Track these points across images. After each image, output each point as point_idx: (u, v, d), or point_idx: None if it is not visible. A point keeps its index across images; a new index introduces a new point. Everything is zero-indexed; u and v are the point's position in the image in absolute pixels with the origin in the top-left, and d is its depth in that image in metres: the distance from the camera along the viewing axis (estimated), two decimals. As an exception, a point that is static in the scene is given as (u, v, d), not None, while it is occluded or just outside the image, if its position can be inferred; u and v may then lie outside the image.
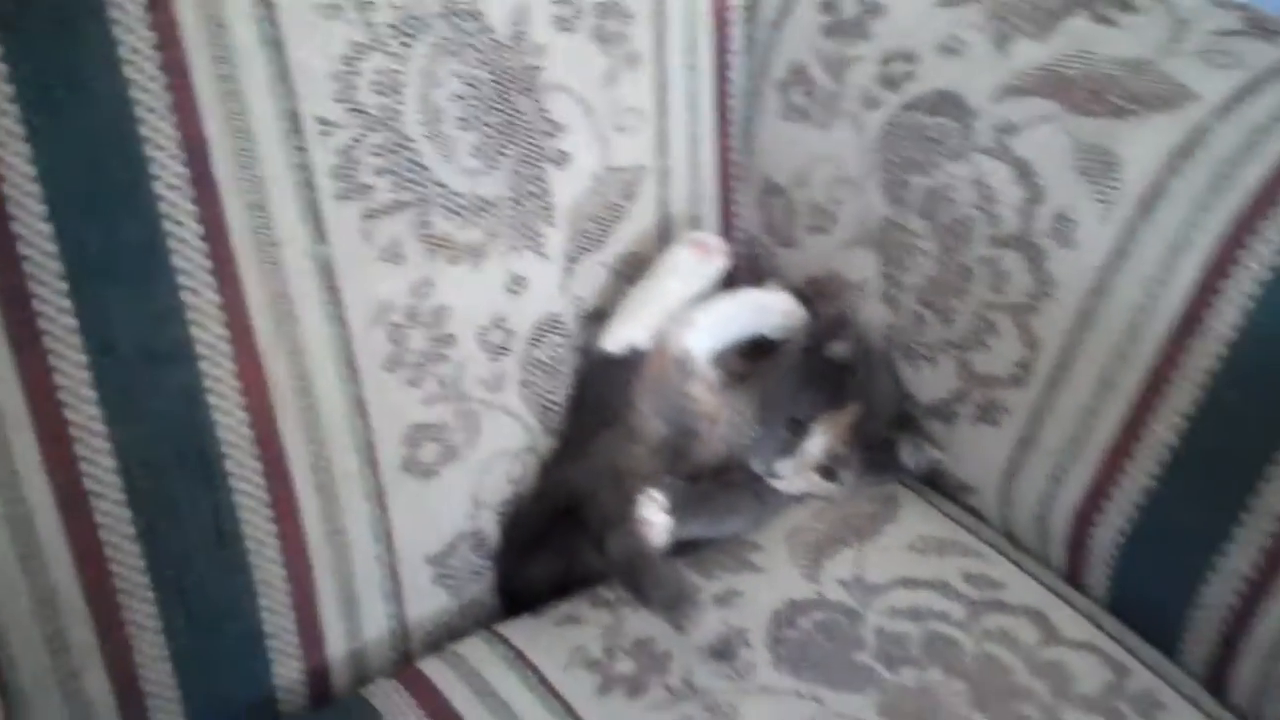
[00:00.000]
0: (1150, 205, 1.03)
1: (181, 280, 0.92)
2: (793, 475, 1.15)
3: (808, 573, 1.10)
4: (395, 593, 1.10)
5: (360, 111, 0.98)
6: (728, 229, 1.31)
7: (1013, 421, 1.13)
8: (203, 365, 0.94)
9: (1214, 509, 1.00)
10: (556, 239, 1.14)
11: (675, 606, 1.01)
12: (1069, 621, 1.06)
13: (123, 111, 0.88)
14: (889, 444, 1.17)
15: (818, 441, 1.15)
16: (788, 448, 1.15)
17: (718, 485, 1.16)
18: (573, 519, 1.12)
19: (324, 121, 0.96)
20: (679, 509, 1.08)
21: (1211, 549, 1.00)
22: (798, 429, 1.15)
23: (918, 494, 1.21)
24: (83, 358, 0.89)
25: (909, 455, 1.17)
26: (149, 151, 0.89)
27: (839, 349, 1.16)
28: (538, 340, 1.14)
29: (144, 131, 0.89)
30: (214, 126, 0.91)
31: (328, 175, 0.97)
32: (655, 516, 1.06)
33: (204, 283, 0.93)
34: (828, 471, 1.16)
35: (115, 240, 0.89)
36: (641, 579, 1.01)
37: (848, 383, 1.15)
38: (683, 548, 1.12)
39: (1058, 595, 1.09)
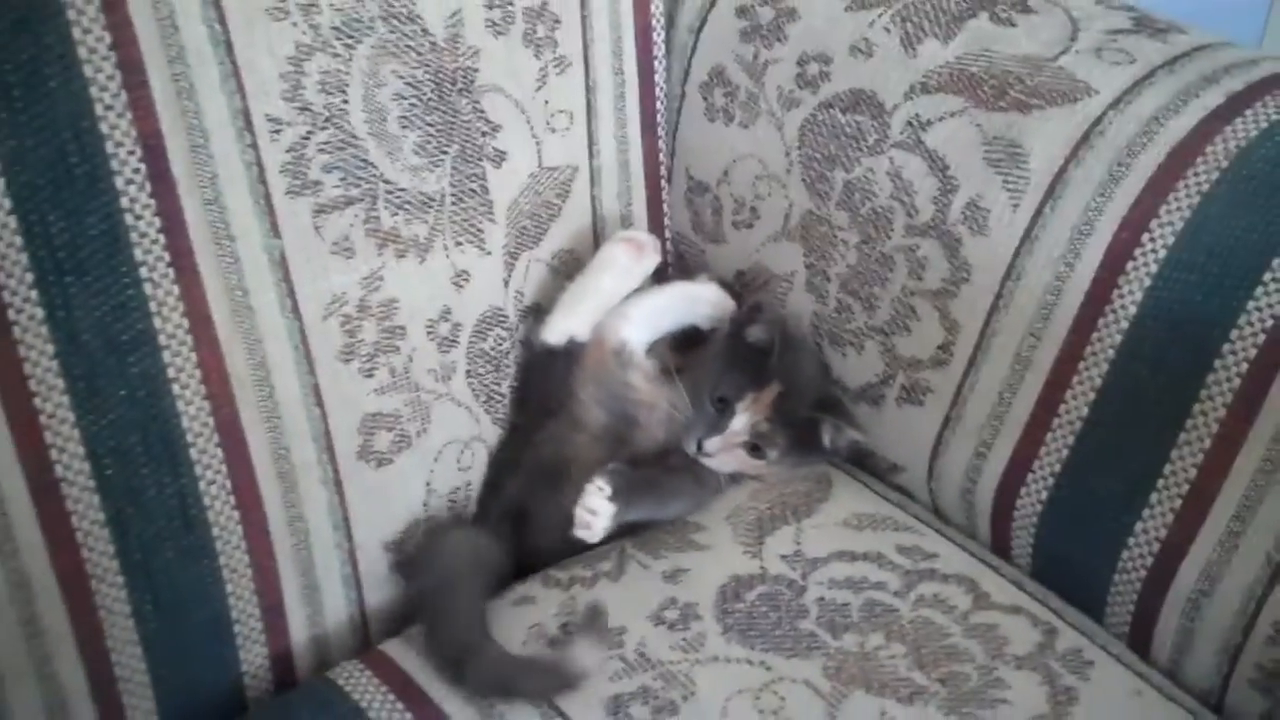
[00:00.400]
0: (1055, 193, 1.10)
1: (143, 272, 0.95)
2: (721, 453, 1.21)
3: (750, 550, 1.15)
4: (354, 579, 1.13)
5: (308, 110, 1.01)
6: (658, 227, 1.37)
7: (937, 401, 1.19)
8: (165, 355, 0.97)
9: (1129, 477, 1.07)
10: (497, 235, 1.18)
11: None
12: (998, 587, 1.12)
13: (82, 109, 0.91)
14: (812, 424, 1.22)
15: (741, 419, 1.20)
16: (715, 426, 1.20)
17: (660, 470, 1.21)
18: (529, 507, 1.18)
19: (274, 120, 1.00)
20: (623, 494, 1.13)
21: (1128, 514, 1.07)
22: (723, 408, 1.21)
23: (850, 475, 1.27)
24: (50, 347, 0.92)
25: (829, 436, 1.23)
26: (108, 148, 0.92)
27: (755, 333, 1.22)
28: (483, 333, 1.18)
29: (103, 128, 0.92)
30: (169, 124, 0.94)
31: (279, 172, 1.01)
32: (600, 505, 1.11)
33: (164, 275, 0.96)
34: (754, 448, 1.21)
35: (78, 233, 0.92)
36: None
37: (767, 363, 1.21)
38: (629, 529, 1.17)
39: (986, 564, 1.15)
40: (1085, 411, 1.09)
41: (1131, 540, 1.07)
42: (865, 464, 1.29)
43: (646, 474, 1.20)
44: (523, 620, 1.09)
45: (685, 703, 1.00)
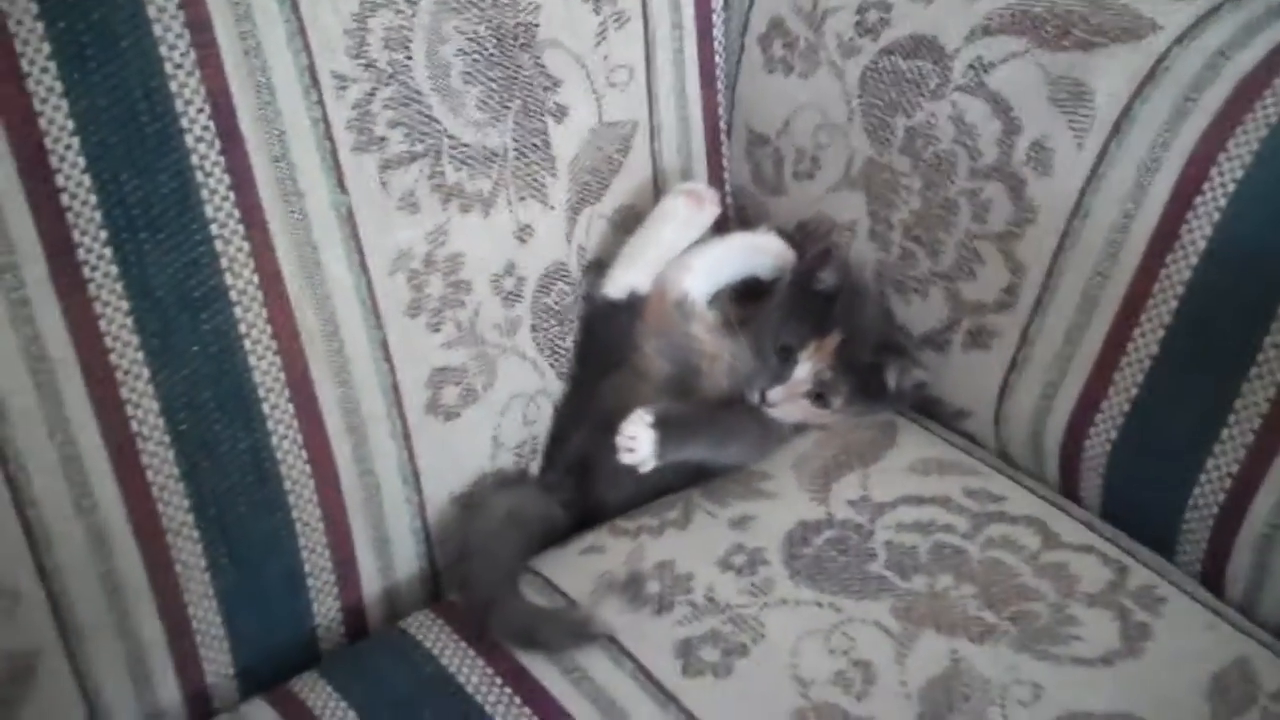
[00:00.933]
0: (1121, 130, 1.09)
1: (214, 229, 0.96)
2: (785, 402, 1.21)
3: (816, 496, 1.15)
4: (424, 531, 1.14)
5: (372, 66, 1.02)
6: (718, 180, 1.37)
7: (1003, 345, 1.18)
8: (236, 310, 0.98)
9: (1199, 413, 1.06)
10: (559, 190, 1.18)
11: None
12: (1068, 528, 1.12)
13: (152, 67, 0.92)
14: (876, 369, 1.21)
15: (805, 367, 1.20)
16: (778, 375, 1.21)
17: (721, 410, 1.22)
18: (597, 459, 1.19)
19: (339, 76, 1.01)
20: (668, 425, 1.14)
21: (1199, 452, 1.06)
22: (787, 356, 1.21)
23: (915, 422, 1.27)
24: (125, 304, 0.94)
25: (894, 377, 1.22)
26: (178, 106, 0.93)
27: (825, 278, 1.22)
28: (546, 287, 1.19)
29: (173, 86, 0.93)
30: (237, 82, 0.95)
31: (345, 128, 1.02)
32: (640, 431, 1.13)
33: (234, 231, 0.97)
34: (818, 397, 1.21)
35: (150, 191, 0.93)
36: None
37: (831, 311, 1.21)
38: (695, 476, 1.18)
39: (1055, 505, 1.15)
40: (1154, 349, 1.08)
41: (1203, 477, 1.06)
42: (931, 411, 1.29)
43: (700, 412, 1.21)
44: (591, 568, 1.10)
45: (755, 645, 1.01)
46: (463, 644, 1.04)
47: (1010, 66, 1.16)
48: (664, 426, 1.14)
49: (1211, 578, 1.08)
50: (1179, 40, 1.09)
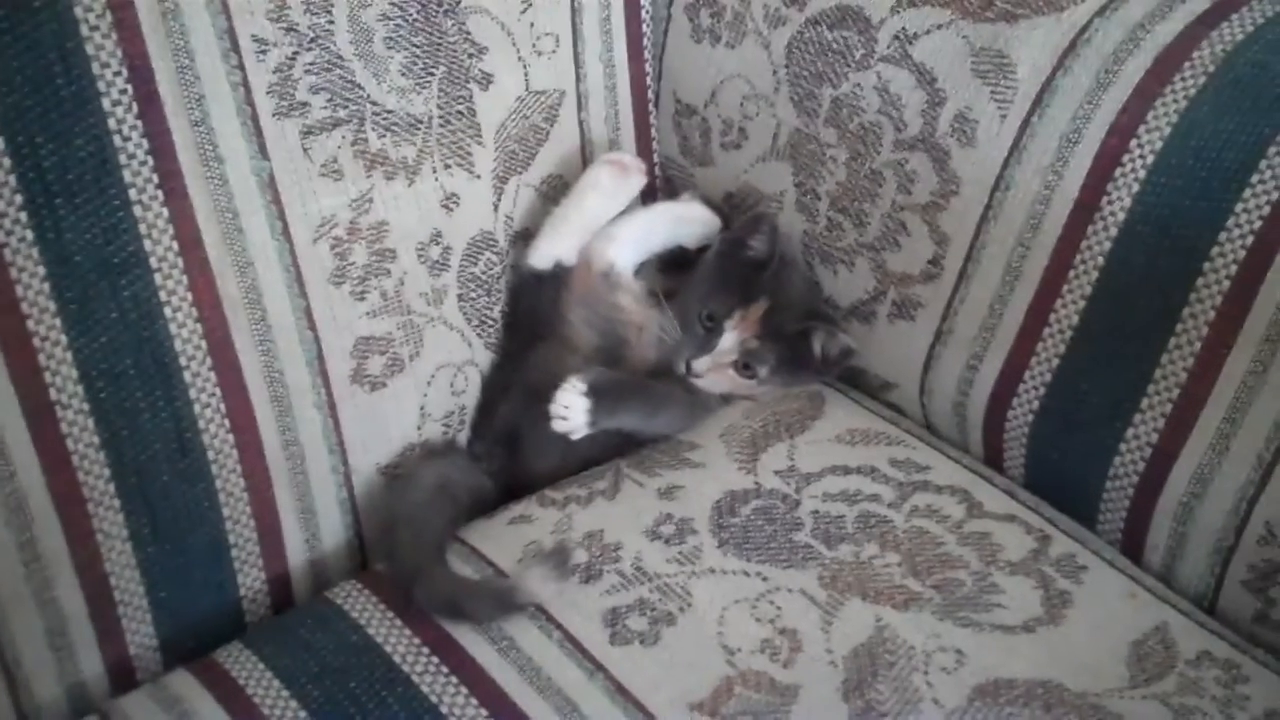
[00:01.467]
0: (1044, 102, 1.10)
1: (132, 194, 0.95)
2: (711, 373, 1.21)
3: (744, 466, 1.15)
4: (350, 503, 1.13)
5: (293, 30, 1.01)
6: (646, 151, 1.36)
7: (928, 316, 1.19)
8: (156, 277, 0.97)
9: (1119, 384, 1.08)
10: (486, 158, 1.18)
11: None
12: (991, 497, 1.13)
13: (67, 29, 0.91)
14: (802, 337, 1.22)
15: (730, 338, 1.21)
16: (704, 345, 1.21)
17: (651, 379, 1.22)
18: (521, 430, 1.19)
19: (260, 40, 1.00)
20: (602, 392, 1.14)
21: (1119, 421, 1.08)
22: (712, 328, 1.21)
23: (842, 393, 1.28)
24: (41, 269, 0.92)
25: (820, 344, 1.22)
26: (95, 69, 0.92)
27: (757, 245, 1.22)
28: (473, 256, 1.18)
29: (89, 49, 0.92)
30: (155, 44, 0.94)
31: (266, 93, 1.01)
32: (573, 400, 1.13)
33: (153, 196, 0.96)
34: (744, 367, 1.22)
35: (67, 155, 0.92)
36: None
37: (758, 279, 1.21)
38: (623, 446, 1.18)
39: (979, 475, 1.16)
40: (1075, 320, 1.09)
41: (1123, 447, 1.08)
42: (858, 382, 1.29)
43: (632, 381, 1.21)
44: (520, 538, 1.09)
45: (682, 614, 1.01)
46: (389, 613, 1.03)
47: (935, 38, 1.16)
48: (597, 394, 1.14)
49: (1131, 547, 1.10)
50: (1100, 12, 1.10)
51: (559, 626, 1.00)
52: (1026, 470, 1.16)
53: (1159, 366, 1.05)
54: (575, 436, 1.14)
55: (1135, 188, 1.05)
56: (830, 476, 1.14)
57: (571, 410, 1.13)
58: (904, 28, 1.18)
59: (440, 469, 1.17)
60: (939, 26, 1.16)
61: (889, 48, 1.18)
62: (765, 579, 1.04)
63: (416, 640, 1.00)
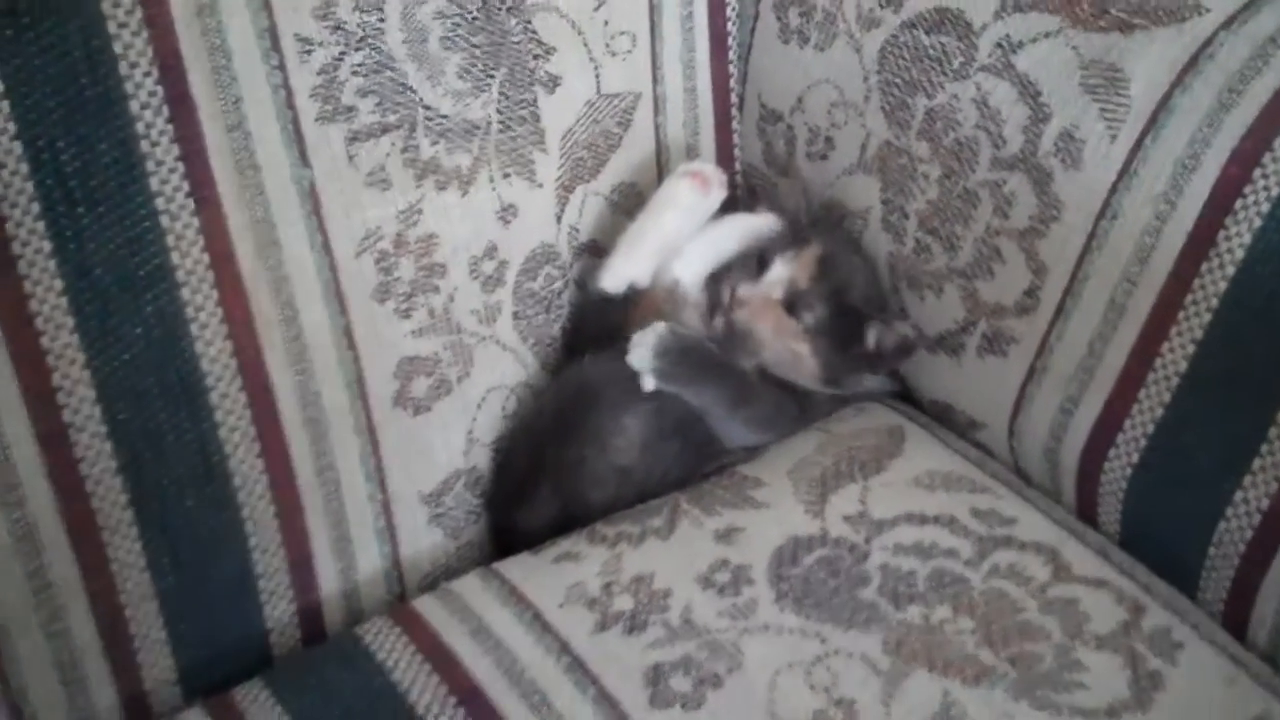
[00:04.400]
0: (1158, 122, 1.00)
1: (159, 203, 0.89)
2: (757, 309, 1.14)
3: (811, 508, 1.07)
4: (389, 532, 1.08)
5: (341, 29, 0.95)
6: (727, 158, 1.29)
7: (1021, 352, 1.10)
8: (183, 292, 0.92)
9: (1229, 440, 0.97)
10: (549, 166, 1.11)
11: None
12: (1081, 557, 1.03)
13: (93, 25, 0.86)
14: (857, 320, 1.15)
15: (780, 269, 1.15)
16: (751, 275, 1.15)
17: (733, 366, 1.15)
18: (567, 453, 1.11)
19: (304, 39, 0.94)
20: (684, 348, 1.10)
21: (1227, 482, 0.97)
22: (763, 262, 1.15)
23: (925, 429, 1.19)
24: (58, 283, 0.87)
25: (875, 335, 1.15)
26: (123, 69, 0.87)
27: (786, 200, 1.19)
28: (532, 271, 1.12)
29: (116, 48, 0.86)
30: (189, 43, 0.89)
31: (309, 96, 0.95)
32: (651, 338, 1.08)
33: (182, 206, 0.90)
34: (790, 306, 1.14)
35: (90, 161, 0.87)
36: None
37: (803, 230, 1.16)
38: (686, 476, 1.12)
39: (1069, 531, 1.06)
40: (1184, 366, 0.99)
41: (1230, 510, 0.97)
42: (944, 418, 1.20)
43: (718, 354, 1.14)
44: (564, 578, 1.02)
45: (730, 675, 0.93)
46: (419, 656, 0.97)
47: (1041, 47, 1.06)
48: (675, 339, 1.09)
49: (1235, 621, 0.99)
50: (1226, 24, 1.00)
51: (595, 682, 0.93)
52: (1122, 527, 1.06)
53: (1275, 424, 0.94)
54: (645, 385, 1.09)
55: (1257, 223, 0.94)
56: (904, 525, 1.05)
57: (643, 349, 1.08)
58: (1008, 35, 1.08)
59: None
60: (1046, 35, 1.06)
61: (990, 56, 1.08)
62: (824, 640, 0.95)
63: (444, 689, 0.94)
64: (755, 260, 1.16)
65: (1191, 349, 0.98)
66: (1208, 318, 0.97)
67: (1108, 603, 0.99)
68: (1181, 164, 0.98)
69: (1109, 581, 1.01)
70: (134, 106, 0.87)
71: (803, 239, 1.15)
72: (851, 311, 1.15)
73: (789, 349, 1.16)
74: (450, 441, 1.10)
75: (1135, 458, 1.03)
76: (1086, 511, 1.09)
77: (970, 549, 1.03)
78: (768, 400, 1.16)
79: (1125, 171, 1.01)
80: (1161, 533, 1.04)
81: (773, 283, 1.15)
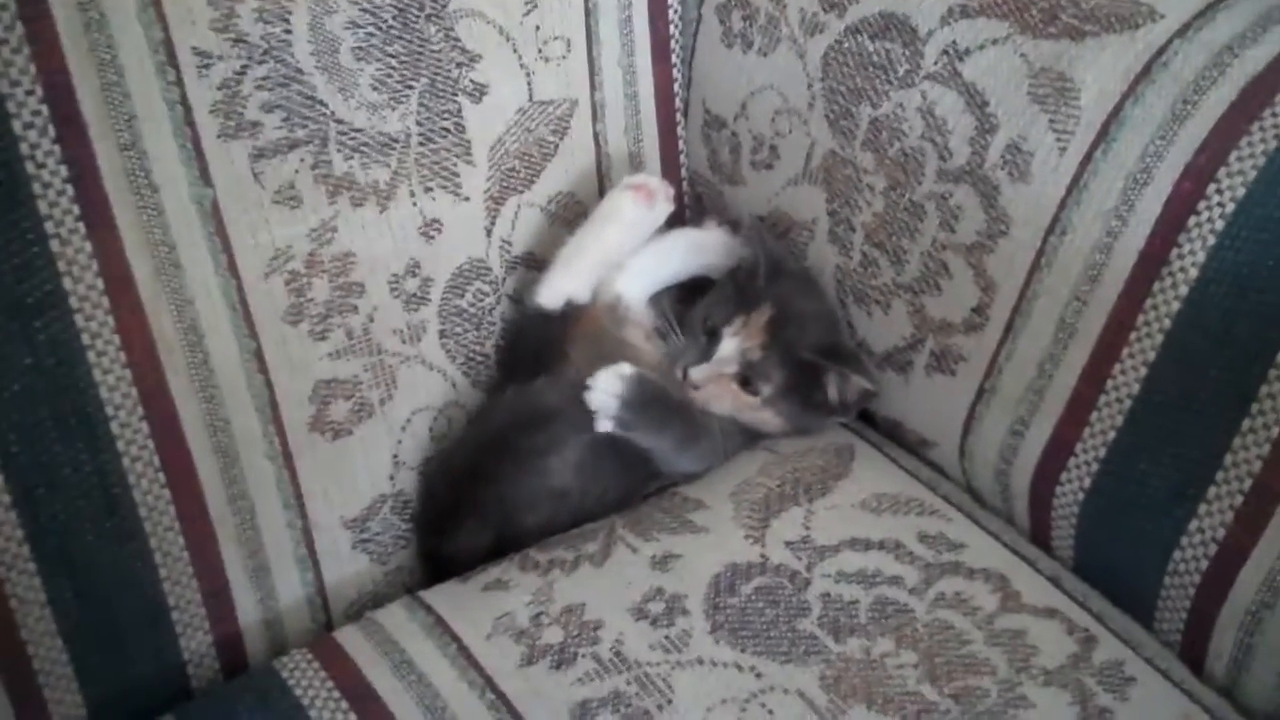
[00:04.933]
0: (1109, 134, 0.96)
1: (49, 227, 0.86)
2: (711, 385, 1.10)
3: (752, 533, 1.02)
4: (311, 559, 1.04)
5: (243, 42, 0.91)
6: (673, 165, 1.24)
7: (970, 370, 1.06)
8: (78, 319, 0.88)
9: (1183, 466, 0.93)
10: (476, 178, 1.06)
11: None
12: (1032, 585, 0.99)
13: (-30, 45, 0.82)
14: (815, 372, 1.10)
15: (730, 344, 1.10)
16: (704, 353, 1.10)
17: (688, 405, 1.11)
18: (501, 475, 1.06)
19: (202, 53, 0.90)
20: (646, 397, 1.05)
21: (1182, 509, 0.93)
22: (713, 335, 1.11)
23: (875, 447, 1.14)
24: (-62, 311, 0.83)
25: (835, 388, 1.11)
26: (3, 87, 0.82)
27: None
28: (459, 288, 1.08)
29: (-6, 67, 0.82)
30: (77, 60, 0.85)
31: (209, 112, 0.90)
32: (615, 384, 1.04)
33: (73, 229, 0.86)
34: (744, 380, 1.10)
35: (-31, 184, 0.83)
36: None
37: (755, 286, 1.10)
38: (625, 499, 1.09)
39: (1021, 557, 1.02)
40: (1136, 389, 0.95)
41: (1185, 539, 0.93)
42: (894, 435, 1.16)
43: (677, 399, 1.10)
44: (493, 608, 0.98)
45: (660, 712, 0.89)
46: (336, 692, 0.93)
47: (988, 54, 1.02)
48: (640, 389, 1.05)
49: (1191, 653, 0.95)
50: (1181, 32, 0.95)
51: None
52: (1075, 553, 1.02)
53: (1230, 451, 0.90)
54: (600, 426, 1.04)
55: (1211, 240, 0.90)
56: (848, 552, 1.00)
57: (603, 393, 1.04)
58: (954, 41, 1.03)
59: None
60: (994, 42, 1.01)
61: (936, 64, 1.04)
62: (759, 675, 0.91)
63: (360, 729, 0.90)
64: (701, 327, 1.11)
65: (1144, 371, 0.94)
66: (1160, 339, 0.93)
67: (1057, 634, 0.95)
68: (1133, 178, 0.94)
69: (1059, 610, 0.97)
70: (17, 126, 0.83)
71: (752, 300, 1.10)
72: (809, 366, 1.10)
73: (753, 417, 1.12)
74: (374, 466, 1.06)
75: (1087, 482, 0.99)
76: (1040, 536, 1.05)
77: (915, 576, 0.99)
78: (718, 437, 1.12)
79: (1075, 185, 0.97)
80: (1115, 560, 1.00)
81: (724, 360, 1.10)
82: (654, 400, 1.06)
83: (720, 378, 1.10)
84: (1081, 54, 0.98)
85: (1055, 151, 0.98)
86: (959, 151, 1.03)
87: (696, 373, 1.09)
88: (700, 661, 0.93)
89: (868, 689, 0.90)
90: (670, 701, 0.90)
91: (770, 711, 0.89)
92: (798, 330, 1.10)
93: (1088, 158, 0.96)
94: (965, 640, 0.94)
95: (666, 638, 0.94)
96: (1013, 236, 1.00)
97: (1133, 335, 0.94)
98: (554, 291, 1.11)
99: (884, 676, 0.91)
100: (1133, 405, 0.95)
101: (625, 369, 1.04)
